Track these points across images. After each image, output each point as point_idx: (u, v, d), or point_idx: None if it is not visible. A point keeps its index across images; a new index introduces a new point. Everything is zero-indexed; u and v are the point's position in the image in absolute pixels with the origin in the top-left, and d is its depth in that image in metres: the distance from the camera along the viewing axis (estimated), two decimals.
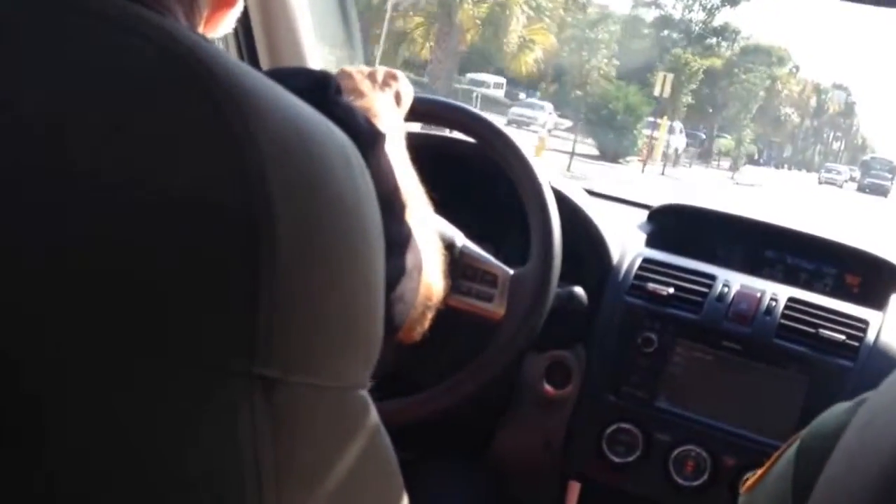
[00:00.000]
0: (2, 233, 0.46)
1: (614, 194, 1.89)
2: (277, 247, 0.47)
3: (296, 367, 0.49)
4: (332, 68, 1.19)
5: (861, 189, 42.07)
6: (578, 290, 1.44)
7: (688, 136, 34.07)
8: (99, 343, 0.46)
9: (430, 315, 1.03)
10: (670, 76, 26.92)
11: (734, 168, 34.26)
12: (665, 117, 28.46)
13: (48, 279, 0.46)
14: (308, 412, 0.52)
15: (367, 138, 0.84)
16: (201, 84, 0.48)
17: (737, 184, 27.87)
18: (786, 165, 52.19)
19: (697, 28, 39.16)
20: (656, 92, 26.57)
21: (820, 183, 40.79)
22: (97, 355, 0.46)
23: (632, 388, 1.47)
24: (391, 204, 0.87)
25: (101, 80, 0.48)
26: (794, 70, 46.14)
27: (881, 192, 41.28)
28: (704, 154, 34.98)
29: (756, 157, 46.82)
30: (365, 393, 0.58)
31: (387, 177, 0.87)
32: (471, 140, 1.45)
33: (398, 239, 0.88)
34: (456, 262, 1.34)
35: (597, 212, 1.60)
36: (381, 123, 1.06)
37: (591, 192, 1.70)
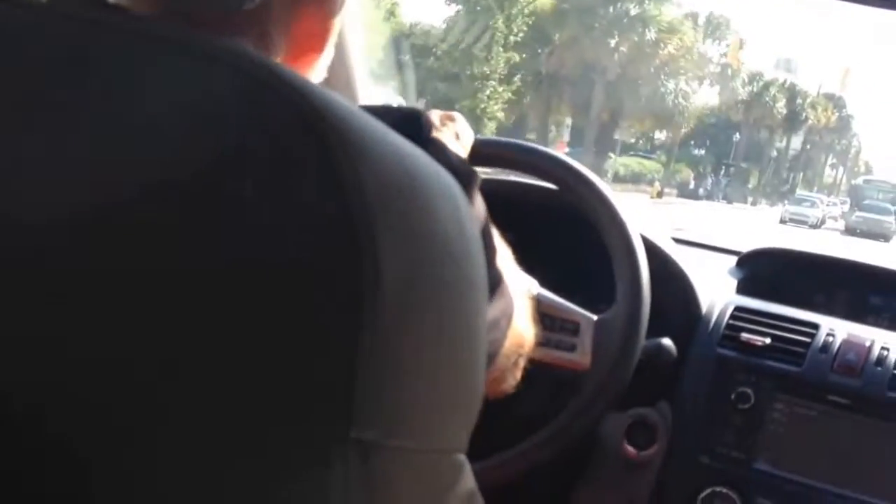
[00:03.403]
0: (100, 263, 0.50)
1: (702, 241, 2.03)
2: (381, 299, 0.50)
3: (395, 429, 0.53)
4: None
5: (850, 230, 33.68)
6: (667, 342, 1.55)
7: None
8: (186, 409, 0.50)
9: (521, 365, 1.11)
10: None
11: None
12: None
13: (137, 336, 0.50)
14: (405, 477, 0.56)
15: (462, 178, 0.88)
16: (302, 117, 0.51)
17: None
18: (750, 198, 44.39)
19: None
20: None
21: (783, 222, 33.12)
22: (184, 420, 0.50)
23: (727, 449, 1.58)
24: (484, 247, 1.00)
25: (191, 117, 0.52)
26: (734, 41, 36.37)
27: (878, 234, 32.49)
28: None
29: (692, 185, 39.00)
30: (463, 456, 0.62)
31: (479, 220, 0.95)
32: (540, 183, 1.58)
33: (490, 283, 0.95)
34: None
35: (684, 257, 1.71)
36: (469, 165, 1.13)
37: (675, 239, 1.81)
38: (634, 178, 33.62)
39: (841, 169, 57.56)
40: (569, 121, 32.43)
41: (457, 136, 1.25)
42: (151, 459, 0.50)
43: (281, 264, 0.50)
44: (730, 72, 39.50)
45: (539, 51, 29.43)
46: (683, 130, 36.57)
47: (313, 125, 0.51)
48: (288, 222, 0.50)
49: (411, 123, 0.93)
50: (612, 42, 31.04)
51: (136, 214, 0.51)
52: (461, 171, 0.91)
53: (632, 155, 38.28)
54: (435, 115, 1.24)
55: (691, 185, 40.18)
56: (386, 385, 0.51)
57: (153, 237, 0.50)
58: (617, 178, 30.78)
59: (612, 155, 36.57)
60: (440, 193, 0.58)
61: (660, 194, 33.24)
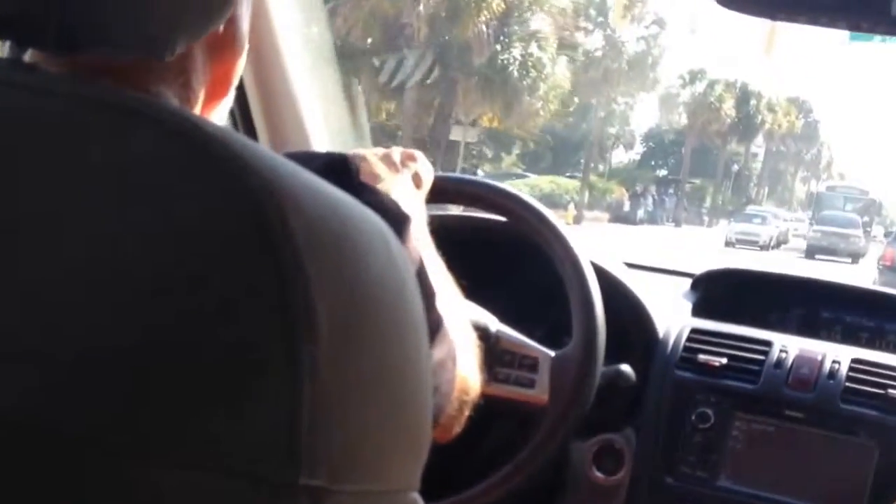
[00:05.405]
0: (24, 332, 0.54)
1: (654, 265, 2.25)
2: (317, 349, 0.54)
3: (343, 474, 0.57)
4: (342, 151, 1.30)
5: (810, 252, 30.60)
6: (626, 368, 1.74)
7: None
8: (126, 457, 0.53)
9: (467, 411, 1.22)
10: None
11: None
12: None
13: (74, 384, 0.53)
14: None
15: (395, 222, 0.94)
16: (230, 171, 0.56)
17: None
18: (706, 219, 43.22)
19: None
20: None
21: (728, 245, 30.98)
22: (122, 470, 0.53)
23: (690, 469, 1.77)
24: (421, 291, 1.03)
25: (115, 175, 0.56)
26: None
27: (843, 251, 30.21)
28: None
29: (626, 206, 37.00)
30: (416, 494, 0.66)
31: (415, 262, 1.04)
32: (498, 218, 1.74)
33: (430, 328, 0.97)
34: (492, 349, 1.57)
35: (637, 284, 1.89)
36: (402, 207, 1.20)
37: (629, 264, 2.00)
38: (547, 201, 28.30)
39: (813, 182, 54.37)
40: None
41: (417, 175, 1.39)
42: None
43: (214, 319, 0.54)
44: (650, 60, 34.80)
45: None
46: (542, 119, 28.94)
47: (239, 178, 0.56)
48: (219, 277, 0.55)
49: (339, 169, 1.03)
50: None
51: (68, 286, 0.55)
52: (394, 214, 1.03)
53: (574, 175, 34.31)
54: (396, 154, 1.38)
55: (626, 207, 37.65)
56: (330, 431, 0.56)
57: (80, 308, 0.55)
58: None
59: (528, 173, 32.82)
60: (372, 239, 0.63)
61: (577, 219, 30.21)
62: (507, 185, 1.75)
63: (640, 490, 1.84)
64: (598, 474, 1.87)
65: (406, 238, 1.05)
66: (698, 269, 2.17)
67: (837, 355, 1.83)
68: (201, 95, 0.86)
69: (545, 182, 32.88)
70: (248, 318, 0.54)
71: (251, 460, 0.54)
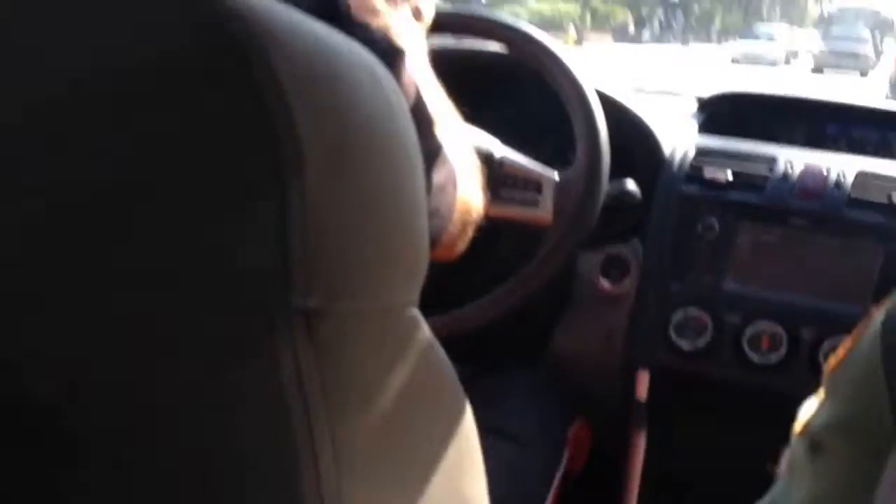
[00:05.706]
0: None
1: (659, 89, 2.27)
2: (306, 175, 0.54)
3: (338, 292, 0.58)
4: None
5: (818, 68, 32.07)
6: (630, 184, 1.80)
7: None
8: (113, 294, 0.53)
9: (470, 231, 1.25)
10: None
11: None
12: None
13: (50, 226, 0.54)
14: (354, 338, 0.60)
15: (387, 56, 0.95)
16: (212, 12, 0.55)
17: None
18: (715, 38, 43.46)
19: None
20: None
21: (734, 62, 31.47)
22: (113, 308, 0.54)
23: (696, 274, 1.85)
24: (416, 120, 0.94)
25: (91, 10, 0.56)
26: None
27: (852, 67, 31.30)
28: None
29: (632, 29, 37.90)
30: (415, 310, 0.67)
31: (409, 94, 1.06)
32: (499, 48, 1.77)
33: (427, 154, 0.97)
34: (496, 173, 1.62)
35: (643, 106, 1.93)
36: (401, 41, 1.20)
37: (633, 89, 2.01)
38: (547, 25, 28.68)
39: (826, 2, 53.69)
40: None
41: (417, 9, 1.37)
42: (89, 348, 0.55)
43: (198, 149, 0.55)
44: None
45: None
46: None
47: (220, 19, 0.55)
48: (202, 113, 0.55)
49: (330, 6, 1.03)
50: None
51: (46, 122, 0.55)
52: (386, 48, 1.04)
53: None
54: None
55: (631, 29, 37.03)
56: (323, 252, 0.57)
57: (64, 145, 0.55)
58: None
59: None
60: (360, 74, 0.63)
61: (577, 41, 30.59)
62: (508, 15, 1.76)
63: (646, 296, 1.91)
64: (605, 283, 1.95)
65: (400, 71, 1.05)
66: (705, 91, 2.20)
67: (843, 166, 1.87)
68: None
69: (545, 7, 32.21)
70: (231, 150, 0.54)
71: (243, 291, 0.54)
